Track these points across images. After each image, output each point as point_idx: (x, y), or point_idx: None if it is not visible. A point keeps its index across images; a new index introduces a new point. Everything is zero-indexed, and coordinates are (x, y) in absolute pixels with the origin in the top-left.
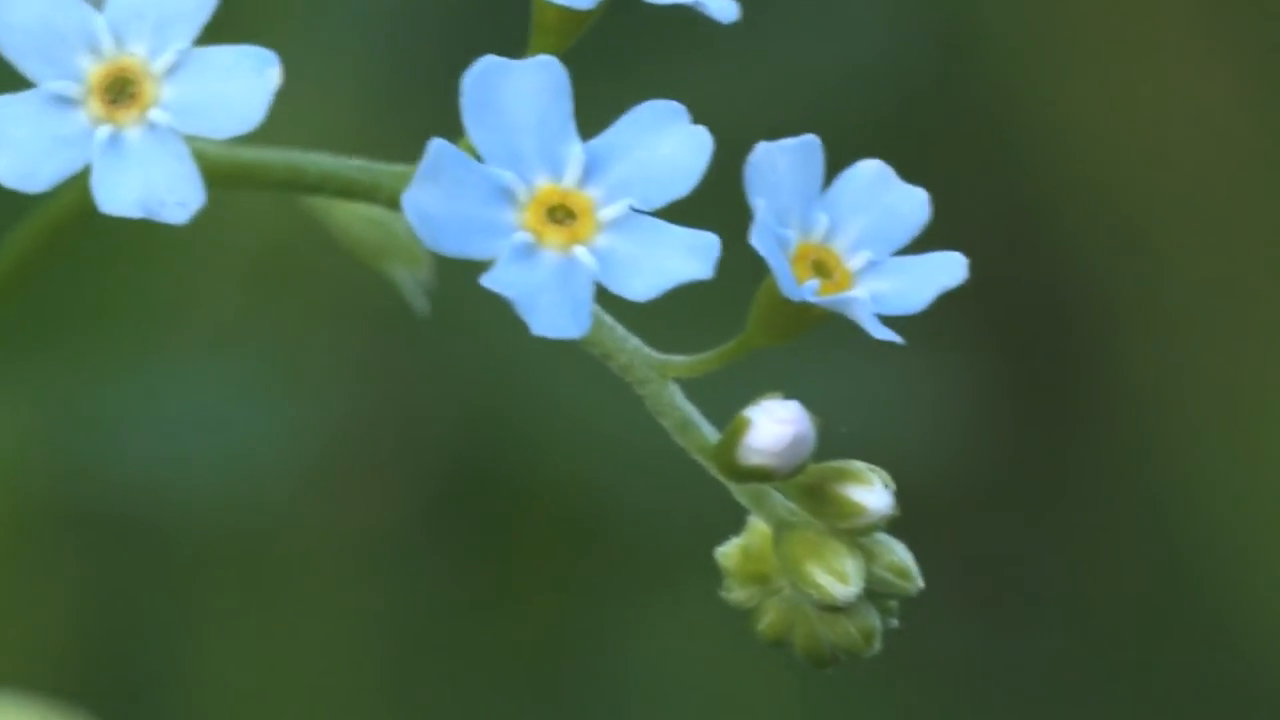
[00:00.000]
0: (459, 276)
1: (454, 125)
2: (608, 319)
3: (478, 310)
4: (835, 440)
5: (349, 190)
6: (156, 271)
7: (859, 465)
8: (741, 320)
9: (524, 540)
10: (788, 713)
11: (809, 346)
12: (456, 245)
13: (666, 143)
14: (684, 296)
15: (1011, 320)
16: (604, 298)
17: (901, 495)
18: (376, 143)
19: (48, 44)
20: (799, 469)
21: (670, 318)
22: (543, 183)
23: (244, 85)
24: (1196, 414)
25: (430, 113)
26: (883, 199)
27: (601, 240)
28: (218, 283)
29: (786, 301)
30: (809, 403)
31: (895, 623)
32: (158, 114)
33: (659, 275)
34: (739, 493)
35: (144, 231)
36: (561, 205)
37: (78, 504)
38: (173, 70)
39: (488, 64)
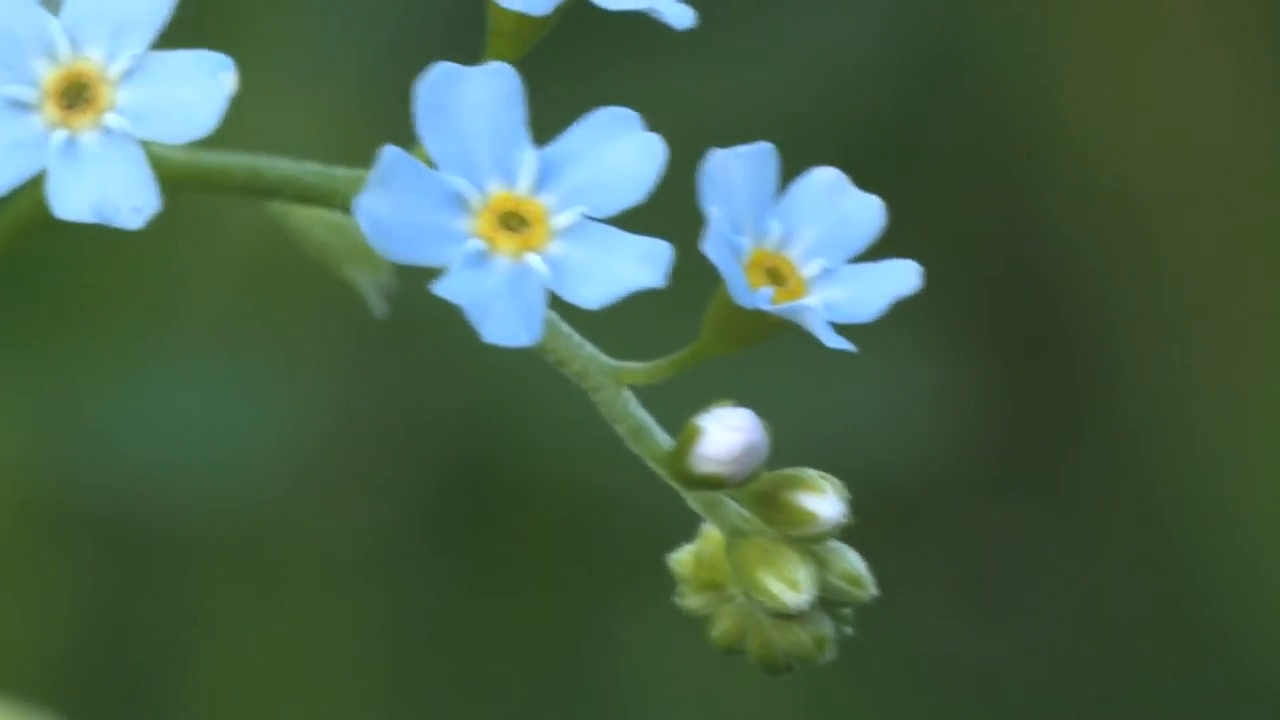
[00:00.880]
0: None
1: None
2: (564, 326)
3: None
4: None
5: (306, 195)
6: (153, 273)
7: (811, 473)
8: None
9: (522, 541)
10: (786, 713)
11: (808, 346)
12: (408, 252)
13: (620, 150)
14: (645, 302)
15: (1009, 320)
16: (562, 305)
17: (899, 496)
18: (367, 146)
19: (2, 48)
20: (752, 476)
21: (631, 323)
22: (496, 190)
23: (199, 90)
24: (1194, 414)
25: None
26: (838, 206)
27: (554, 247)
28: (214, 284)
29: (740, 309)
30: (807, 402)
31: (849, 630)
32: (113, 119)
33: (611, 283)
34: (692, 500)
35: (141, 233)
36: (514, 212)
37: (76, 505)
38: (128, 75)
39: (441, 70)
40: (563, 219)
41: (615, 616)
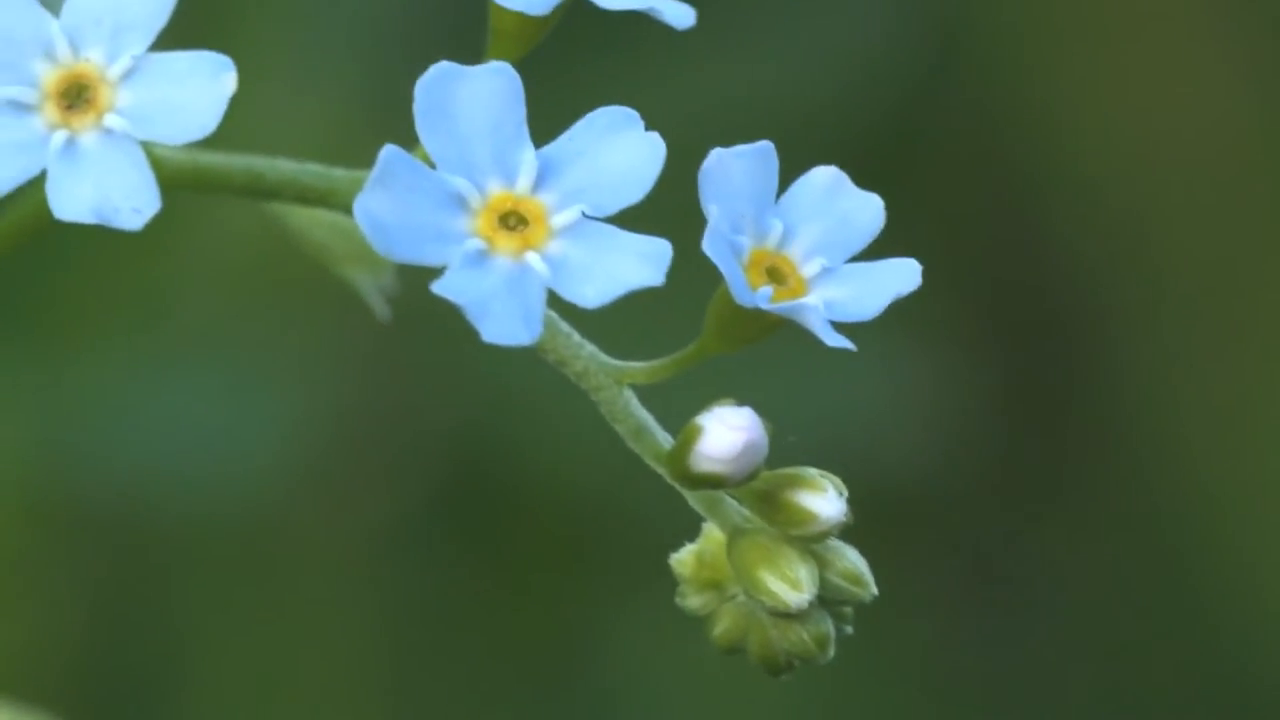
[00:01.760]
0: None
1: None
2: (564, 325)
3: None
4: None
5: (305, 195)
6: (152, 274)
7: (812, 472)
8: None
9: (522, 541)
10: (784, 714)
11: (808, 345)
12: (408, 252)
13: (620, 149)
14: (646, 300)
15: (1009, 319)
16: (563, 304)
17: (898, 496)
18: (368, 146)
19: (2, 49)
20: (752, 475)
21: (631, 323)
22: (495, 189)
23: (199, 91)
24: (1195, 412)
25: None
26: (838, 205)
27: (554, 247)
28: (213, 286)
29: (740, 308)
30: (805, 400)
31: (849, 629)
32: (113, 120)
33: (611, 282)
34: (693, 499)
35: (142, 234)
36: (514, 211)
37: (77, 507)
38: (128, 76)
39: (440, 70)
40: (562, 218)
41: (615, 616)
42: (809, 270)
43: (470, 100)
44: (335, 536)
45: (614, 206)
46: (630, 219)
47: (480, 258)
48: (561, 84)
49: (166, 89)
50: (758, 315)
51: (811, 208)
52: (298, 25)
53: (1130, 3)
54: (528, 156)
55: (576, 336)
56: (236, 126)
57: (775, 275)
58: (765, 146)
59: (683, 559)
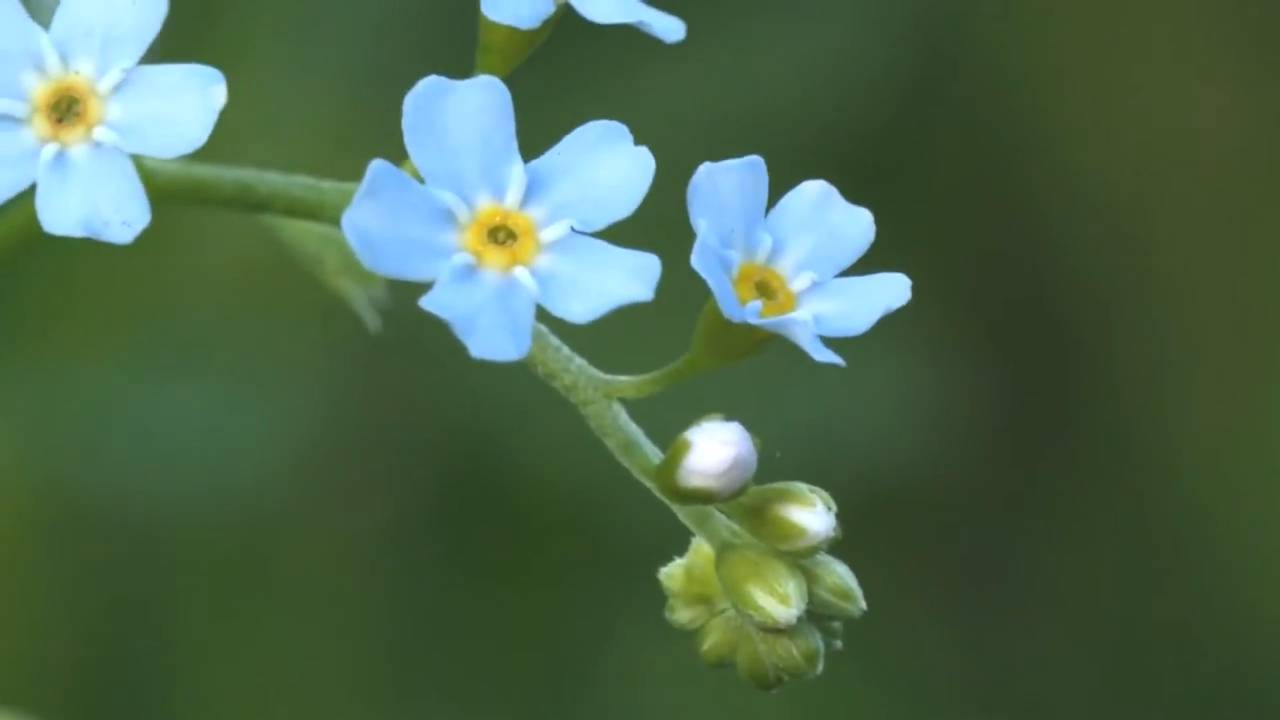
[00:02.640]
0: None
1: None
2: (553, 339)
3: None
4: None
5: (295, 208)
6: (149, 280)
7: (801, 487)
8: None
9: (519, 547)
10: (780, 716)
11: (803, 354)
12: (396, 266)
13: (609, 164)
14: (637, 314)
15: (1007, 324)
16: (553, 318)
17: (896, 504)
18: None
19: None
20: (741, 490)
21: (621, 337)
22: (484, 203)
23: (189, 104)
24: (1190, 421)
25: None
26: (827, 219)
27: (542, 261)
28: (209, 292)
29: (729, 323)
30: (804, 409)
31: (839, 644)
32: (103, 132)
33: (599, 297)
34: (682, 514)
35: (140, 239)
36: (503, 226)
37: (75, 513)
38: (118, 89)
39: (429, 84)
40: (551, 233)
41: (613, 621)
42: (798, 285)
43: (459, 114)
44: (333, 543)
45: (603, 221)
46: (619, 231)
47: (468, 272)
48: (550, 96)
49: (156, 102)
50: (747, 330)
51: (801, 222)
52: (293, 30)
53: (1129, 9)
54: (516, 171)
55: (566, 350)
56: (231, 133)
57: (764, 290)
58: (754, 161)
59: (672, 573)
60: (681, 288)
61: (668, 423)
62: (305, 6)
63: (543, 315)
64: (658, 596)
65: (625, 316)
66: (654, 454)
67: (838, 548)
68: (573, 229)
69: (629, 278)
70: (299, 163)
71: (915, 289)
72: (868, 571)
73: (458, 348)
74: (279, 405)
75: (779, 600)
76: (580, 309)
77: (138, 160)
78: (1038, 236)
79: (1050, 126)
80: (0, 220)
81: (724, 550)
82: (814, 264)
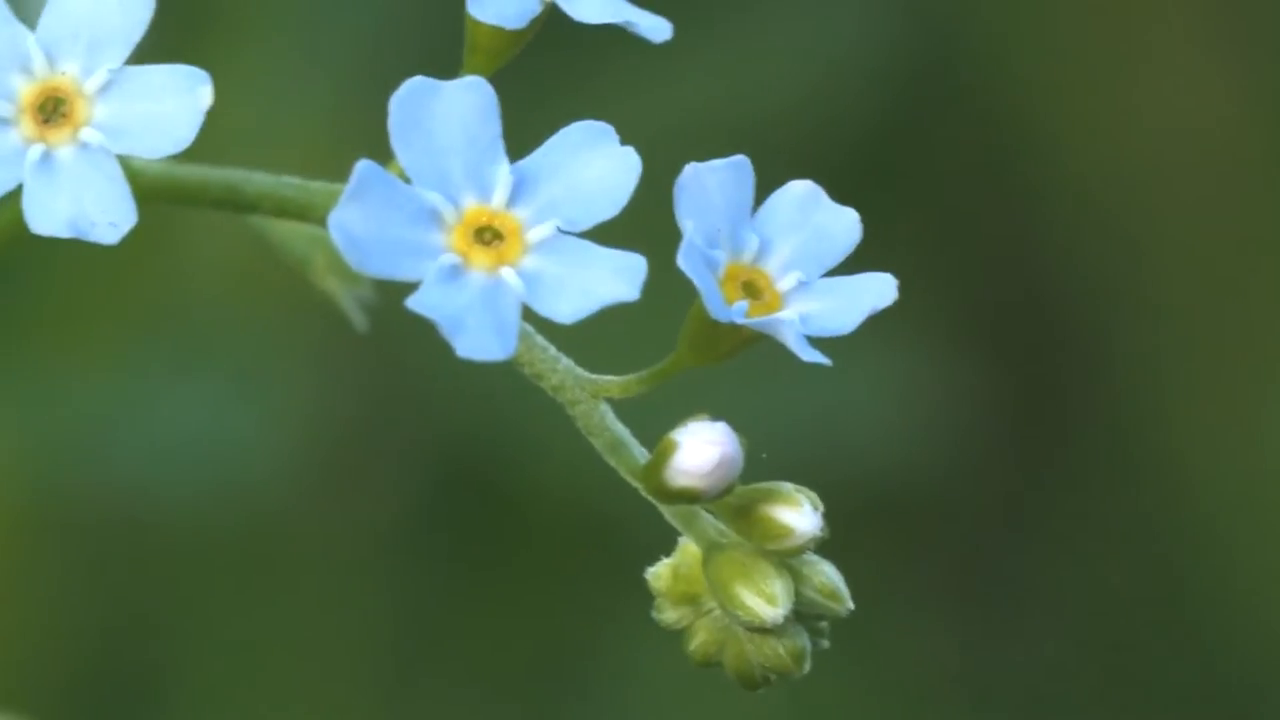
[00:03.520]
0: None
1: None
2: (539, 339)
3: None
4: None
5: (283, 209)
6: (147, 279)
7: (787, 487)
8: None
9: (519, 544)
10: (778, 714)
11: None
12: (382, 267)
13: (595, 164)
14: (624, 314)
15: (1006, 323)
16: (540, 317)
17: (892, 502)
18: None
19: None
20: (727, 490)
21: (608, 337)
22: (470, 204)
23: (176, 104)
24: (1189, 419)
25: None
26: (813, 219)
27: (529, 262)
28: (207, 290)
29: (716, 323)
30: (798, 406)
31: (825, 643)
32: (90, 133)
33: (585, 297)
34: (669, 514)
35: (138, 239)
36: (489, 226)
37: (77, 512)
38: (105, 89)
39: (415, 85)
40: (537, 233)
41: (612, 619)
42: (785, 284)
43: (445, 115)
44: (332, 541)
45: (589, 221)
46: (605, 231)
47: (455, 273)
48: (537, 96)
49: (143, 103)
50: (733, 330)
51: (787, 222)
52: (287, 31)
53: (1129, 8)
54: (503, 171)
55: (552, 350)
56: (224, 135)
57: (751, 290)
58: (740, 160)
59: (658, 573)
60: (668, 288)
61: (656, 422)
62: (300, 8)
63: (529, 315)
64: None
65: (612, 316)
66: (641, 454)
67: (833, 546)
68: (559, 229)
69: (615, 278)
70: (294, 164)
71: (913, 288)
72: (866, 571)
73: (449, 347)
74: (278, 404)
75: (766, 600)
76: (566, 309)
77: (124, 161)
78: (1037, 235)
79: (1049, 126)
80: None
81: (711, 550)
82: (800, 264)
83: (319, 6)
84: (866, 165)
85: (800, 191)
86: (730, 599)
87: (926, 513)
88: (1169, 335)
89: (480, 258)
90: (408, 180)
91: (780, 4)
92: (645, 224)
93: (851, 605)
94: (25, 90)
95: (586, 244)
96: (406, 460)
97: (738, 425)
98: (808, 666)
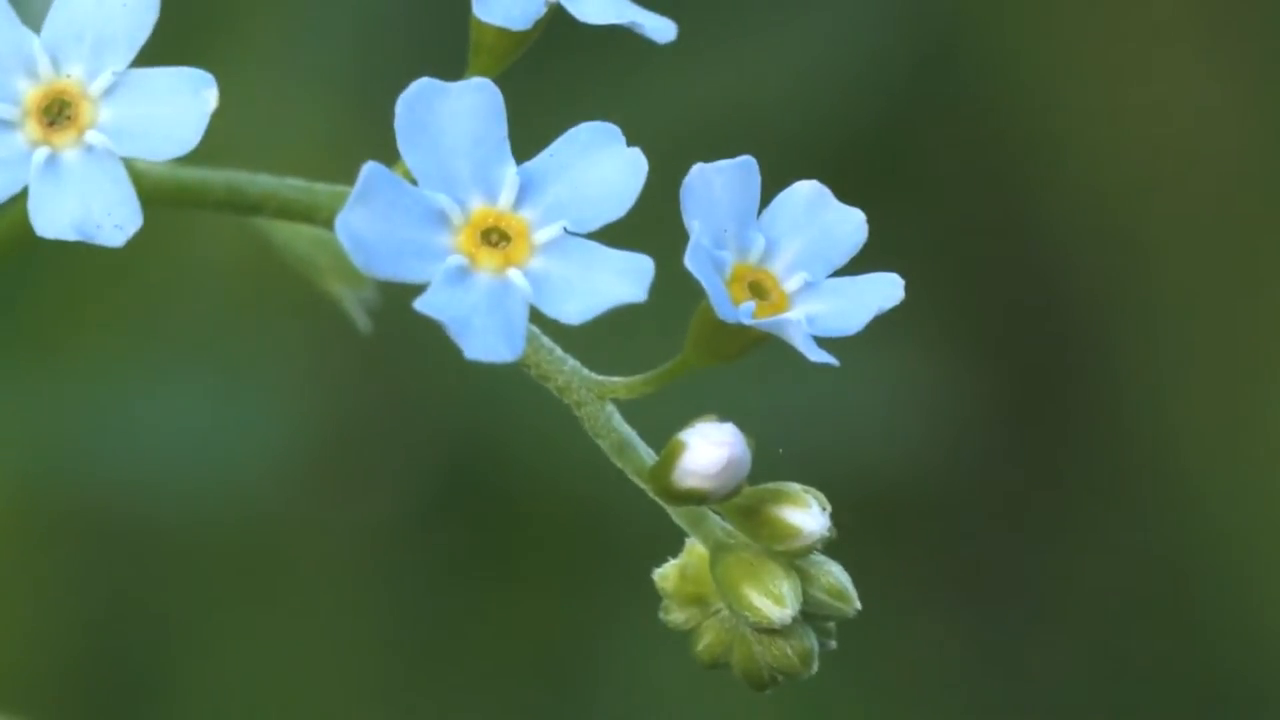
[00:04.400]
0: None
1: None
2: (545, 340)
3: None
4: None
5: (287, 210)
6: (146, 281)
7: (795, 487)
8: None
9: (519, 544)
10: (779, 715)
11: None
12: (389, 268)
13: (602, 165)
14: (631, 314)
15: (1007, 324)
16: (546, 318)
17: (895, 502)
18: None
19: None
20: (735, 490)
21: (615, 337)
22: (477, 205)
23: (181, 107)
24: (1189, 421)
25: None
26: (819, 220)
27: (536, 263)
28: (209, 288)
29: (723, 323)
30: (802, 406)
31: (833, 644)
32: (95, 136)
33: (593, 298)
34: (677, 515)
35: (136, 240)
36: (496, 228)
37: (74, 511)
38: (110, 92)
39: (421, 86)
40: (544, 234)
41: (613, 618)
42: (791, 285)
43: (451, 116)
44: (331, 540)
45: (596, 222)
46: (612, 231)
47: (462, 274)
48: (542, 97)
49: (148, 105)
50: (740, 330)
51: (793, 222)
52: (288, 34)
53: (1129, 9)
54: (509, 172)
55: (559, 351)
56: (225, 137)
57: (758, 290)
58: (747, 161)
59: (666, 574)
60: (675, 288)
61: (659, 418)
62: (299, 10)
63: (536, 316)
64: (657, 594)
65: (619, 317)
66: (648, 455)
67: (838, 546)
68: (566, 230)
69: (622, 279)
70: (293, 166)
71: (914, 288)
72: (867, 570)
73: (455, 346)
74: (276, 402)
75: (773, 601)
76: (574, 310)
77: (129, 163)
78: (1037, 235)
79: (1049, 126)
80: None
81: (718, 551)
82: (807, 264)
83: (318, 10)
84: (866, 165)
85: (807, 192)
86: (738, 600)
87: (927, 512)
88: (1169, 335)
89: (487, 259)
90: (414, 182)
91: (779, 5)
92: (652, 223)
93: (859, 605)
94: (30, 93)
95: (593, 245)
96: (405, 459)
97: (740, 423)
98: (815, 667)
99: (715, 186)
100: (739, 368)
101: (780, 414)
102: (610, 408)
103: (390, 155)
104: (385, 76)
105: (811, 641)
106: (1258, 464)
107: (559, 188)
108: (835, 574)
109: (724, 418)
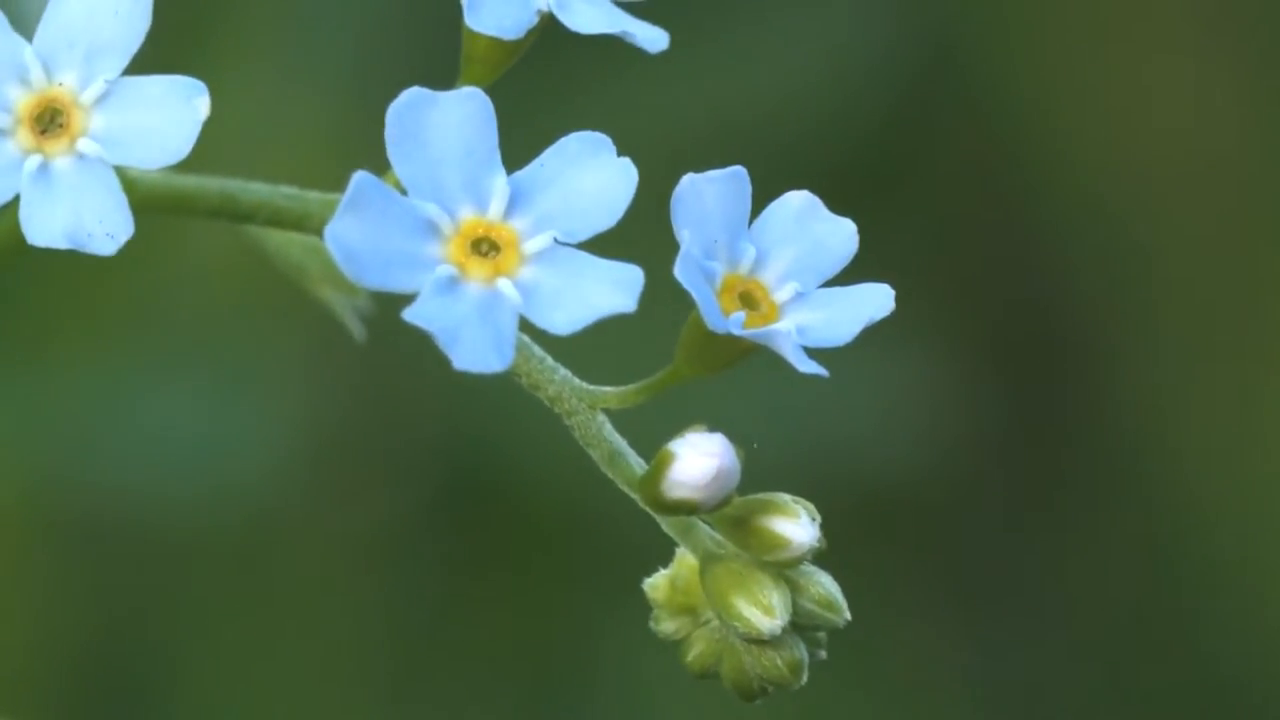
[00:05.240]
0: None
1: None
2: (536, 350)
3: None
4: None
5: (280, 219)
6: (143, 282)
7: (784, 498)
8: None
9: (516, 546)
10: (775, 717)
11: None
12: (379, 278)
13: (592, 175)
14: (622, 324)
15: (1006, 329)
16: (537, 329)
17: (892, 506)
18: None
19: None
20: (725, 501)
21: (606, 347)
22: (467, 215)
23: (173, 115)
24: (1189, 424)
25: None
26: (810, 230)
27: (525, 273)
28: (206, 290)
29: (713, 334)
30: (799, 410)
31: (823, 654)
32: (87, 144)
33: (582, 308)
34: (667, 525)
35: (131, 241)
36: (486, 238)
37: (73, 512)
38: (102, 100)
39: (411, 96)
40: (534, 244)
41: (609, 619)
42: (782, 295)
43: (441, 126)
44: (329, 541)
45: (586, 232)
46: (602, 241)
47: (451, 284)
48: (534, 106)
49: (140, 113)
50: (730, 341)
51: (784, 232)
52: (284, 39)
53: (1128, 9)
54: (499, 182)
55: (550, 361)
56: (221, 143)
57: (748, 300)
58: (738, 171)
59: (656, 584)
60: (665, 299)
61: (651, 424)
62: (296, 15)
63: (526, 326)
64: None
65: (609, 327)
66: (638, 464)
67: (836, 548)
68: (556, 240)
69: (612, 289)
70: (290, 172)
71: (913, 290)
72: (867, 572)
73: (440, 363)
74: (274, 404)
75: (763, 611)
76: (563, 320)
77: (120, 170)
78: (1036, 236)
79: (1048, 129)
80: None
81: (708, 561)
82: (797, 275)
83: (311, 16)
84: (865, 166)
85: (798, 203)
86: (727, 610)
87: (925, 513)
88: (1169, 336)
89: (477, 269)
90: (404, 191)
91: (778, 6)
92: (641, 228)
93: (849, 616)
94: (22, 101)
95: (584, 255)
96: (403, 461)
97: (734, 429)
98: (805, 678)
99: (706, 197)
100: (734, 369)
101: (780, 415)
102: (601, 417)
103: (384, 162)
104: (385, 73)
105: (801, 652)
106: (1257, 465)
107: (549, 198)
108: (825, 584)
109: (714, 427)
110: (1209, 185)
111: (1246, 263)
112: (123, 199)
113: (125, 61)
